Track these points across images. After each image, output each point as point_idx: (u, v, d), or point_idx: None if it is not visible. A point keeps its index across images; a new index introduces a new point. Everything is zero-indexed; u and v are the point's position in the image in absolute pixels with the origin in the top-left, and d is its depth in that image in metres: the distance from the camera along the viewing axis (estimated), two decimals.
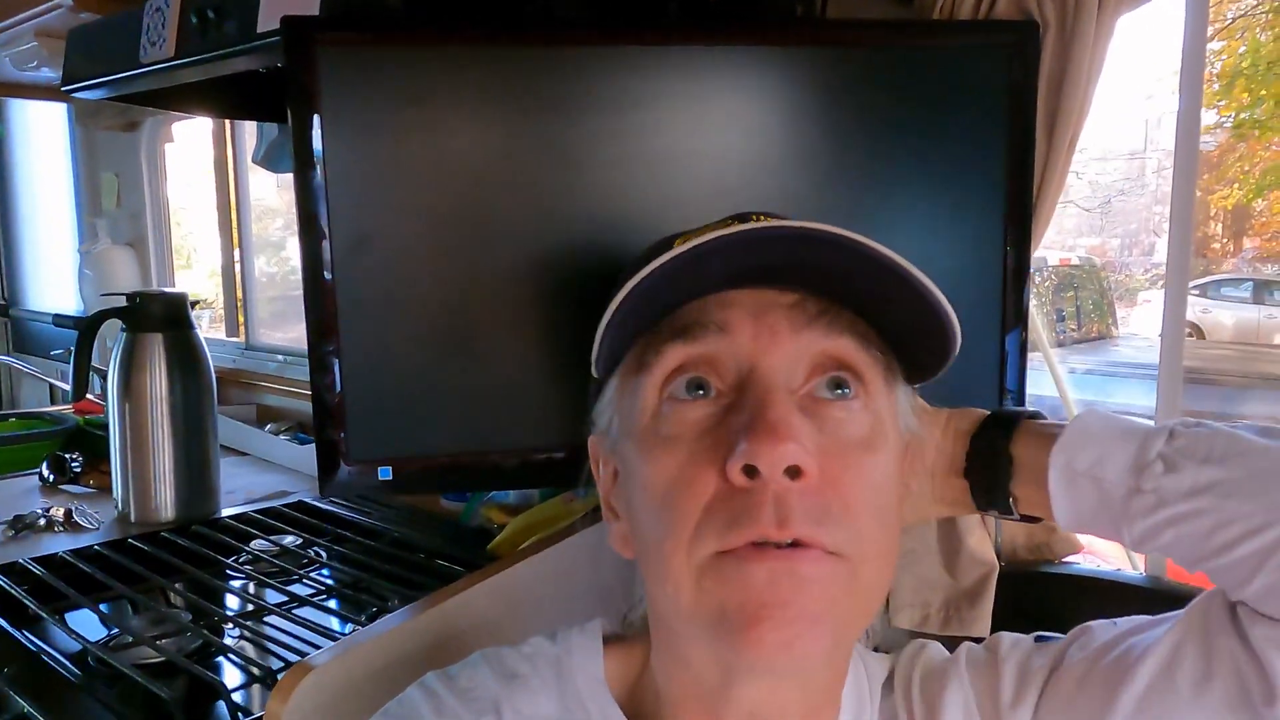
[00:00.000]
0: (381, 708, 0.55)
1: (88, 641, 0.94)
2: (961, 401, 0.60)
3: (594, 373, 0.55)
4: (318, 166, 0.85)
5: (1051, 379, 1.17)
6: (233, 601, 1.14)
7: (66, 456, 1.62)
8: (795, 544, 0.45)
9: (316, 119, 0.84)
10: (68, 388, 1.84)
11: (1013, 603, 1.04)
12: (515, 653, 0.57)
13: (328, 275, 0.86)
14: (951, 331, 0.50)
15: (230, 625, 1.04)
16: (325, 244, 0.86)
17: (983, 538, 1.05)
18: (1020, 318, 0.99)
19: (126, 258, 2.31)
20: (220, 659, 0.98)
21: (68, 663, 0.92)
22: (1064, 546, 1.08)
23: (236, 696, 0.86)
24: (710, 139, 0.91)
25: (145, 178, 2.26)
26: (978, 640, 0.62)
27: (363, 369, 0.88)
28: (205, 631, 0.99)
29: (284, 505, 1.43)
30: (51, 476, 1.59)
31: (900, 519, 0.53)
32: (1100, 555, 1.10)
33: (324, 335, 0.86)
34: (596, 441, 0.57)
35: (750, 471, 0.44)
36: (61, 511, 1.39)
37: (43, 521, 1.37)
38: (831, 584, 0.46)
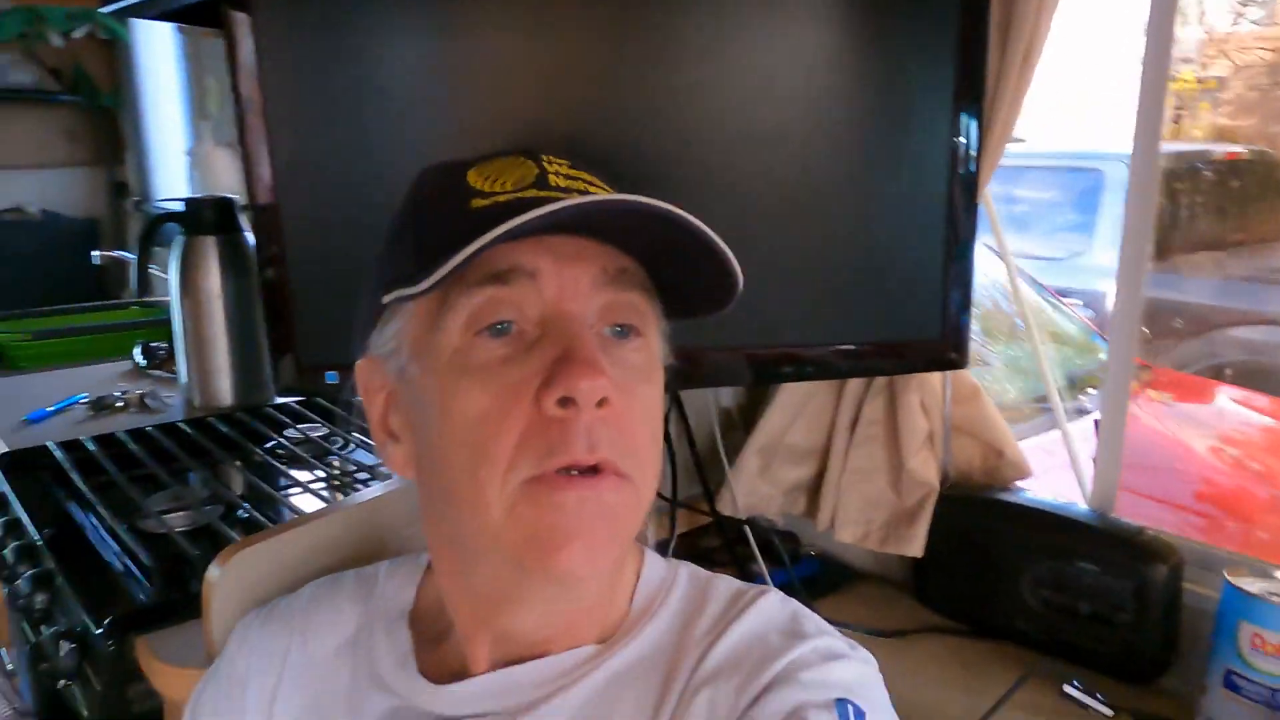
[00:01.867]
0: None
1: (105, 512, 1.09)
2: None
3: (385, 301, 0.59)
4: (253, 79, 0.91)
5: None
6: (253, 481, 1.28)
7: (155, 345, 1.82)
8: (595, 469, 0.50)
9: (246, 20, 0.90)
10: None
11: (956, 526, 1.05)
12: (352, 576, 0.67)
13: (270, 189, 0.94)
14: (734, 285, 0.54)
15: (245, 500, 1.17)
16: (265, 158, 0.93)
17: (926, 459, 1.05)
18: (964, 252, 0.96)
19: (228, 159, 2.49)
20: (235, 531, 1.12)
21: (100, 529, 1.09)
22: (1012, 471, 1.06)
23: None
24: (638, 42, 0.92)
25: None
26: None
27: (311, 277, 0.96)
28: (223, 505, 1.14)
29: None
30: (143, 362, 1.80)
31: (661, 443, 0.57)
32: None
33: (270, 244, 0.95)
34: (368, 366, 0.60)
35: (565, 402, 0.49)
36: (136, 395, 1.58)
37: (120, 403, 1.56)
38: (624, 506, 0.52)
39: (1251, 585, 0.83)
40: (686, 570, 0.63)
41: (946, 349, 0.99)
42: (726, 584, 0.61)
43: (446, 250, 0.51)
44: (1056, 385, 1.13)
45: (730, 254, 0.52)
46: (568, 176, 0.54)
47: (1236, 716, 0.83)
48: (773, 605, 0.58)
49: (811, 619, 0.58)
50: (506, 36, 0.93)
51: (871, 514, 1.09)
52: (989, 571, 1.02)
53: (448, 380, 0.53)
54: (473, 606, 0.58)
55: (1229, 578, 0.84)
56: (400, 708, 0.59)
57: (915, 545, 1.05)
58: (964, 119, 0.94)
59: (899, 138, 0.96)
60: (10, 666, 1.24)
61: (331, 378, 0.99)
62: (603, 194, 0.51)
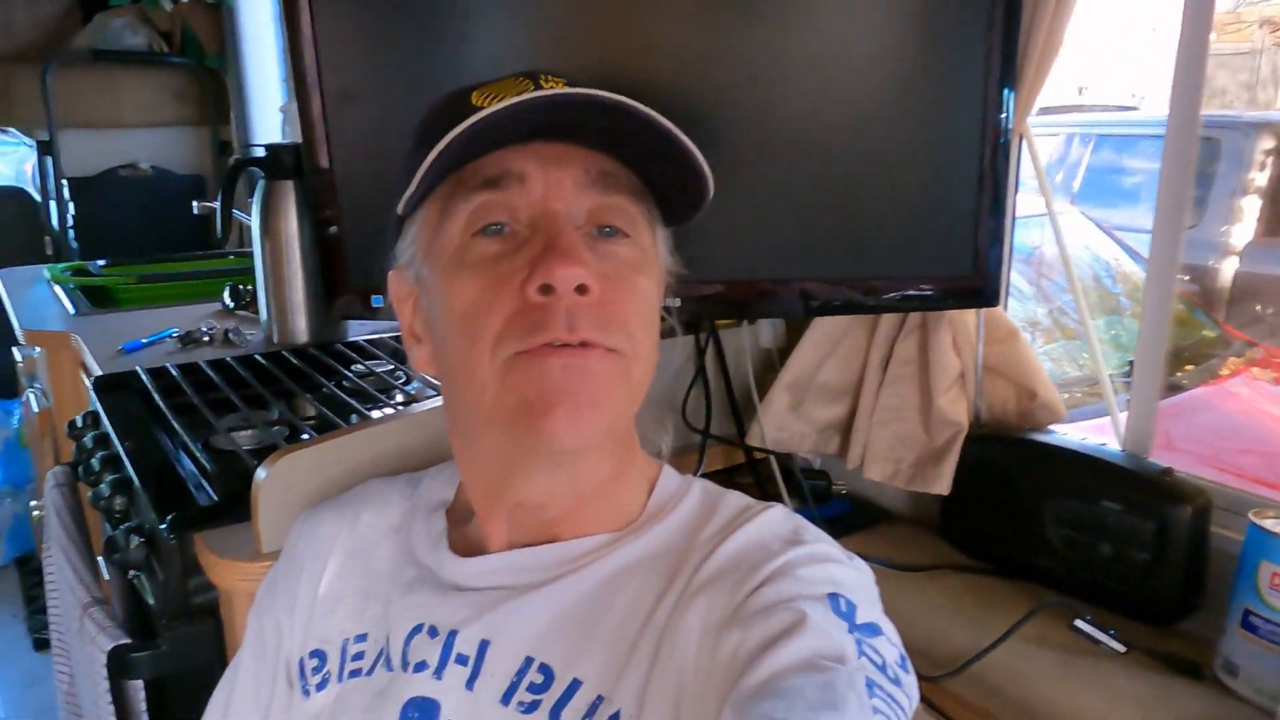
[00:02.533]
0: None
1: (181, 429, 1.19)
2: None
3: (400, 212, 0.65)
4: (309, 43, 0.97)
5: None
6: (319, 409, 1.36)
7: (242, 287, 1.93)
8: (583, 344, 0.55)
9: None
10: None
11: (983, 465, 1.05)
12: (404, 477, 0.75)
13: (325, 151, 1.00)
14: (705, 183, 0.58)
15: (310, 424, 1.25)
16: (316, 95, 0.99)
17: (955, 398, 1.05)
18: (997, 192, 0.95)
19: None
20: None
21: (175, 443, 1.18)
22: (1046, 414, 1.05)
23: None
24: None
25: None
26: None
27: (358, 209, 1.02)
28: (288, 428, 1.22)
29: (391, 336, 1.64)
30: (231, 303, 1.92)
31: (657, 333, 0.62)
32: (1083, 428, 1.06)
33: (325, 206, 1.01)
34: (396, 276, 0.66)
35: (545, 290, 0.54)
36: (221, 331, 1.69)
37: (206, 338, 1.67)
38: (611, 375, 0.56)
39: (1276, 525, 0.81)
40: (700, 484, 0.67)
41: (977, 286, 0.98)
42: (737, 498, 0.65)
43: (443, 155, 0.56)
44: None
45: (697, 153, 0.55)
46: (560, 80, 0.58)
47: (1252, 657, 0.81)
48: (777, 517, 0.62)
49: (813, 531, 0.61)
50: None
51: (901, 452, 1.10)
52: (1013, 510, 1.01)
53: (448, 276, 0.59)
54: (483, 485, 0.64)
55: (1253, 518, 0.82)
56: (426, 576, 0.65)
57: (942, 484, 1.05)
58: (997, 56, 0.93)
59: (931, 77, 0.96)
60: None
61: (377, 302, 1.06)
62: (590, 93, 0.54)
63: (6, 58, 3.05)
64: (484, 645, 0.60)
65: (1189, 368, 3.08)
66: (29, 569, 2.98)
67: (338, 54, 1.00)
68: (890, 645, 0.53)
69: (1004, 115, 0.94)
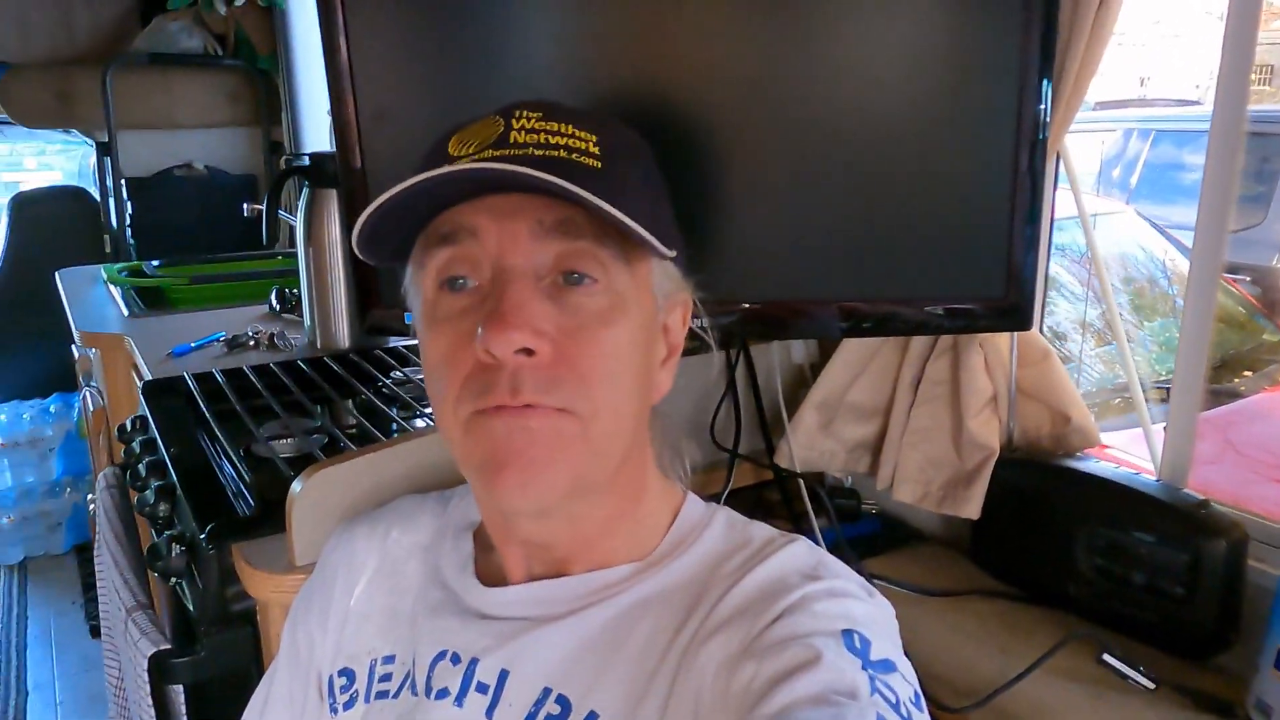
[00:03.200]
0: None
1: (223, 436, 1.22)
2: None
3: (376, 263, 0.65)
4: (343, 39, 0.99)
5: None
6: (357, 416, 1.39)
7: (288, 290, 1.98)
8: (527, 406, 0.55)
9: None
10: None
11: (1014, 489, 1.03)
12: (435, 495, 0.76)
13: (356, 144, 1.02)
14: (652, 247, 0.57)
15: (347, 433, 1.28)
16: (353, 113, 1.01)
17: (986, 421, 1.04)
18: (1032, 212, 0.93)
19: None
20: None
21: (217, 451, 1.21)
22: (1079, 439, 1.03)
23: None
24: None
25: None
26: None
27: None
28: (326, 436, 1.25)
29: None
30: (276, 306, 1.96)
31: (649, 372, 0.62)
32: (1118, 456, 1.04)
33: (357, 211, 1.03)
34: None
35: (490, 354, 0.55)
36: (267, 335, 1.73)
37: (251, 342, 1.71)
38: (559, 435, 0.56)
39: None
40: (725, 514, 0.67)
41: (1010, 309, 0.96)
42: (761, 530, 0.65)
43: (408, 212, 0.58)
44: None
45: (625, 220, 0.55)
46: (530, 131, 0.58)
47: None
48: (799, 552, 0.61)
49: (836, 565, 0.61)
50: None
51: (931, 474, 1.09)
52: (1043, 536, 1.00)
53: (424, 329, 0.61)
54: (492, 523, 0.66)
55: None
56: (452, 600, 0.67)
57: (972, 507, 1.04)
58: (1032, 75, 0.91)
59: (963, 94, 0.94)
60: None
61: (409, 319, 1.07)
62: (482, 162, 0.55)
63: (68, 61, 3.15)
64: (504, 675, 0.62)
65: (1247, 374, 2.99)
66: (87, 557, 3.08)
67: (372, 74, 1.02)
68: (905, 682, 0.53)
69: (1042, 107, 0.90)
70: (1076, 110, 0.94)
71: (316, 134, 3.11)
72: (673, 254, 0.60)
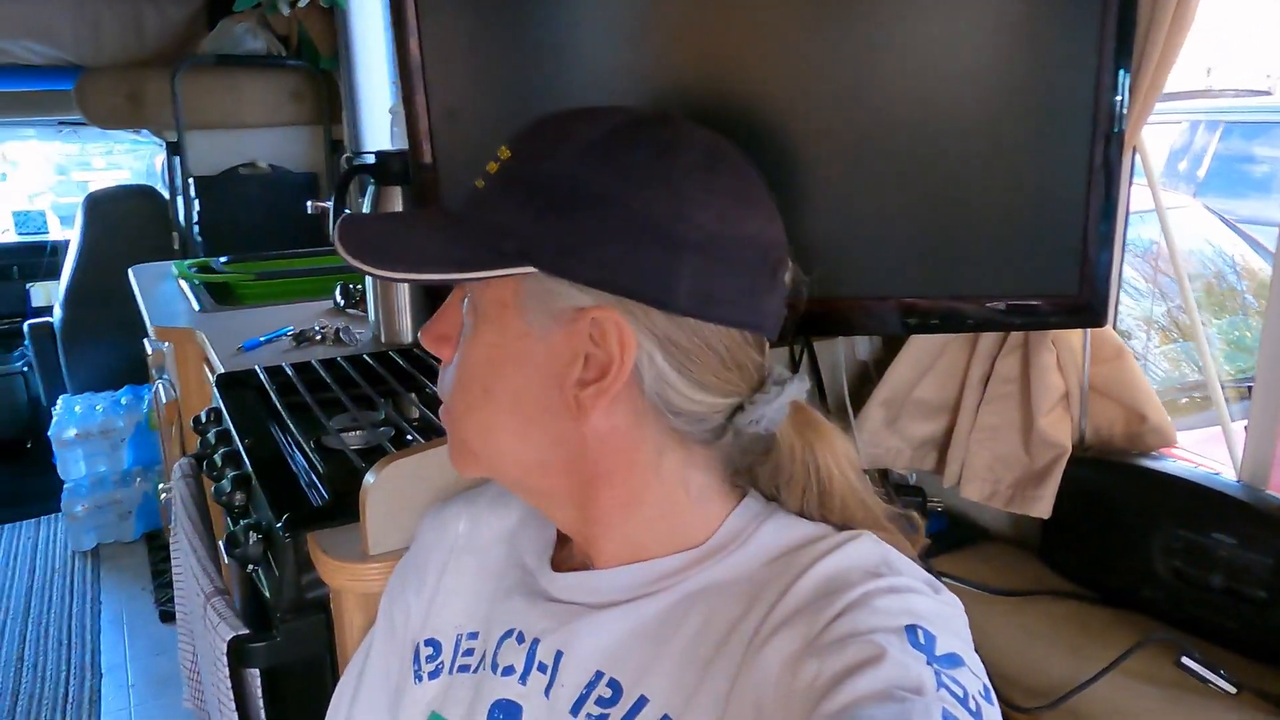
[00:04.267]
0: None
1: (295, 428, 1.25)
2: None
3: None
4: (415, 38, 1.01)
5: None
6: (422, 410, 1.41)
7: (352, 287, 2.02)
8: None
9: None
10: None
11: (1088, 489, 1.02)
12: None
13: (427, 140, 1.04)
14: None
15: (413, 425, 1.30)
16: (424, 110, 1.03)
17: (1058, 419, 1.02)
18: (1108, 208, 0.91)
19: None
20: None
21: (289, 442, 1.25)
22: (1155, 438, 1.01)
23: None
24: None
25: None
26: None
27: None
28: (394, 429, 1.27)
29: None
30: (341, 302, 2.00)
31: (535, 390, 0.62)
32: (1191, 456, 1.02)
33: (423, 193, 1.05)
34: None
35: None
36: (333, 330, 1.77)
37: (318, 337, 1.75)
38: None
39: None
40: (782, 512, 0.67)
41: (1084, 303, 0.95)
42: (822, 527, 0.64)
43: None
44: None
45: (371, 269, 0.62)
46: (494, 158, 0.63)
47: None
48: (863, 547, 0.60)
49: (902, 561, 0.59)
50: None
51: (1000, 472, 1.07)
52: (1118, 537, 0.98)
53: None
54: None
55: None
56: (526, 582, 0.70)
57: (1042, 506, 1.03)
58: (1109, 65, 0.89)
59: (1037, 86, 0.92)
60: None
61: None
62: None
63: (140, 63, 3.24)
64: (559, 655, 0.63)
65: None
66: (156, 545, 3.18)
67: (442, 72, 1.04)
68: (973, 676, 0.52)
69: (1118, 99, 0.89)
70: (1154, 102, 0.92)
71: (375, 132, 3.16)
72: (528, 269, 0.58)
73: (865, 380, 1.23)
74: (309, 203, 2.50)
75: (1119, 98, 0.88)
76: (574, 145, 0.59)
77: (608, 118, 0.60)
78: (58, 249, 4.14)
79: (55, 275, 3.82)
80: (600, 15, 0.98)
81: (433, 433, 1.26)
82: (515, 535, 0.74)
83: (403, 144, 2.55)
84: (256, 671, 1.05)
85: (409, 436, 1.26)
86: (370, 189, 1.71)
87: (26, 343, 3.78)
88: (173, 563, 1.47)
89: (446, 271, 0.60)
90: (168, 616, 2.73)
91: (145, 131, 3.43)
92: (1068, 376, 1.02)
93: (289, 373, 1.47)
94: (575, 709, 0.60)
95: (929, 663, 0.51)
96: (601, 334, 0.58)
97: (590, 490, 0.63)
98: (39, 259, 4.26)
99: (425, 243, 0.62)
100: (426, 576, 0.75)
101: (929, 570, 0.61)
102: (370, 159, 1.73)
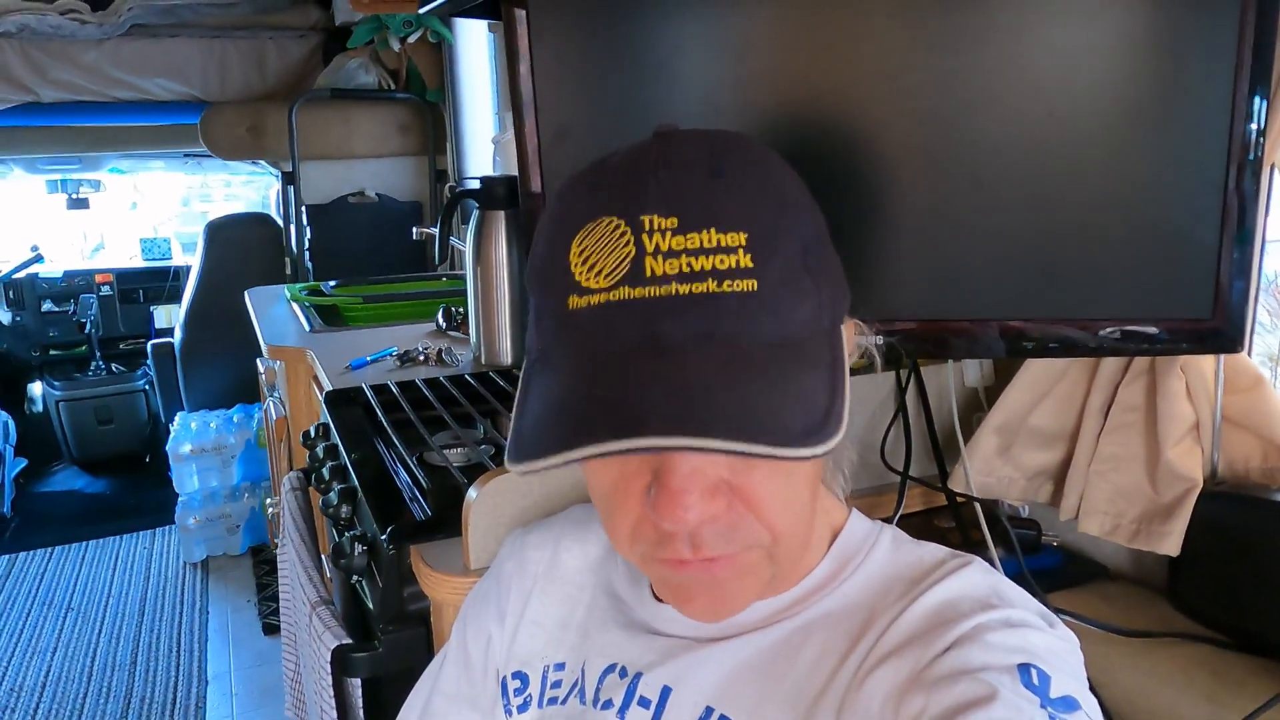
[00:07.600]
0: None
1: (399, 444, 1.28)
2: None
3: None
4: (528, 66, 1.03)
5: None
6: None
7: (454, 309, 2.06)
8: (712, 559, 0.54)
9: (523, 14, 1.01)
10: None
11: (1222, 526, 0.95)
12: None
13: (537, 167, 1.05)
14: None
15: None
16: (533, 131, 1.04)
17: (1188, 450, 0.96)
18: (1245, 231, 0.86)
19: None
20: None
21: (394, 457, 1.27)
22: None
23: None
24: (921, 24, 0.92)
25: None
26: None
27: None
28: (494, 446, 1.29)
29: None
30: (444, 324, 2.05)
31: (818, 481, 0.59)
32: None
33: (534, 205, 1.06)
34: None
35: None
36: (435, 351, 1.81)
37: (421, 357, 1.79)
38: (746, 572, 0.56)
39: None
40: (891, 533, 0.65)
41: (1217, 328, 0.89)
42: (932, 551, 0.62)
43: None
44: None
45: (736, 447, 0.47)
46: (668, 255, 0.50)
47: None
48: (974, 575, 0.58)
49: (1013, 592, 0.57)
50: (781, 13, 0.95)
51: (1123, 506, 1.01)
52: (1257, 579, 0.91)
53: None
54: None
55: None
56: (623, 612, 0.68)
57: (1171, 543, 0.96)
58: (1245, 84, 0.84)
59: (1167, 104, 0.88)
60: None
61: None
62: (635, 357, 0.50)
63: (260, 98, 3.42)
64: (666, 691, 0.62)
65: None
66: (261, 559, 3.29)
67: (553, 97, 1.05)
68: None
69: (1254, 126, 0.84)
70: None
71: (478, 162, 3.25)
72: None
73: (974, 407, 1.19)
74: (414, 229, 2.58)
75: (1254, 125, 0.84)
76: (772, 198, 0.54)
77: (745, 156, 0.55)
78: (180, 274, 4.38)
79: (177, 299, 4.03)
80: (709, 34, 0.98)
81: None
82: (603, 563, 0.72)
83: (503, 172, 2.61)
84: (358, 681, 1.07)
85: None
86: (475, 214, 1.75)
87: (149, 361, 4.00)
88: (279, 572, 1.51)
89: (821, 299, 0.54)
90: (271, 629, 2.81)
91: (263, 162, 3.61)
92: (1198, 406, 0.96)
93: (394, 391, 1.51)
94: None
95: (1043, 705, 0.49)
96: (848, 334, 0.59)
97: None
98: (163, 283, 4.50)
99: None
100: (508, 607, 0.74)
101: (1043, 602, 0.58)
102: (476, 184, 1.77)
